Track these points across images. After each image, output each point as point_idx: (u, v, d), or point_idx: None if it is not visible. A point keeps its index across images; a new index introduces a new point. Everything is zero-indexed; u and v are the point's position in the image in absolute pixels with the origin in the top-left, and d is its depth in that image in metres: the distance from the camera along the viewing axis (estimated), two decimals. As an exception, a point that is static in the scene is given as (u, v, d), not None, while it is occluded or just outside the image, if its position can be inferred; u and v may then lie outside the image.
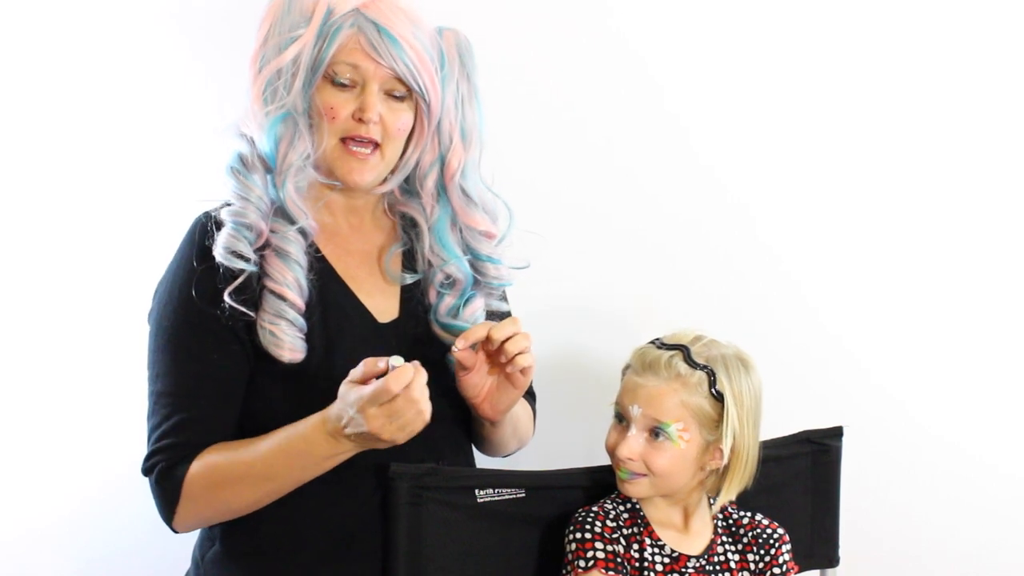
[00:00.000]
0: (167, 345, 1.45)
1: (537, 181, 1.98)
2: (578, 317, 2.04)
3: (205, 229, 1.44)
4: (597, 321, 2.02)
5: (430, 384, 1.37)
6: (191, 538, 1.55)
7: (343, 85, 1.46)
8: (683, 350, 1.50)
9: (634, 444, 1.49)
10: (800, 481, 1.72)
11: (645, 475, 1.50)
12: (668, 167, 2.03)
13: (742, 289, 2.05)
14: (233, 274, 1.41)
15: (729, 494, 1.54)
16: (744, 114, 2.02)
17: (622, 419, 1.52)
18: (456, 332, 1.50)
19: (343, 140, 1.47)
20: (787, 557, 1.59)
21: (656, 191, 2.03)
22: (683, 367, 1.48)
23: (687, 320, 1.58)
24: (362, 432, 1.34)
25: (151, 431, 1.45)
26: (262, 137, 1.46)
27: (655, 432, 1.48)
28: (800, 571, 1.66)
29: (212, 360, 1.44)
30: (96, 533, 1.95)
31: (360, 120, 1.46)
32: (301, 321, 1.44)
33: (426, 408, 1.35)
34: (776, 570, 1.57)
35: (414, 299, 1.55)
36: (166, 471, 1.42)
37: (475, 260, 1.58)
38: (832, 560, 1.76)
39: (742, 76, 2.02)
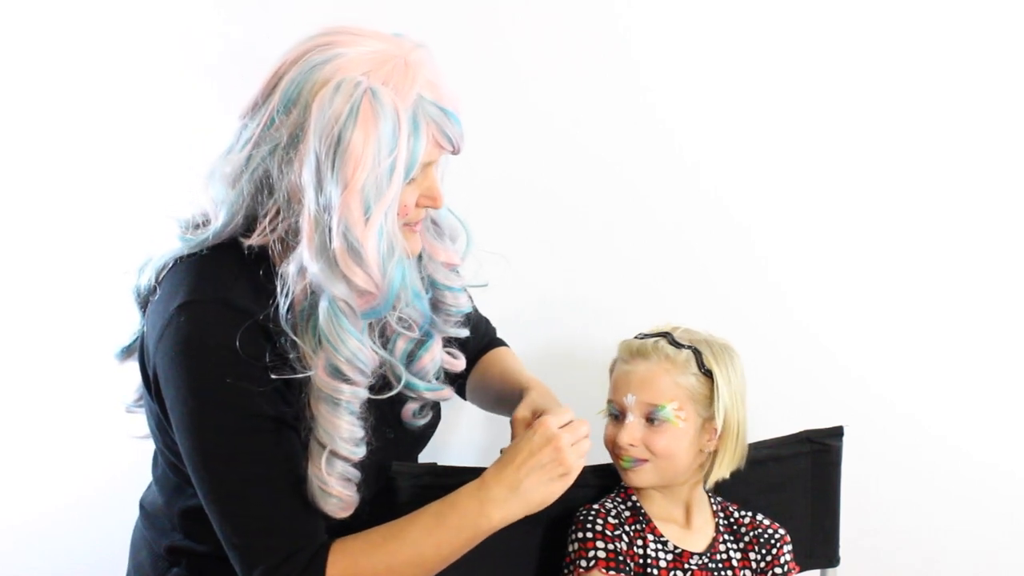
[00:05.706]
0: (227, 463, 1.28)
1: (536, 183, 1.98)
2: (579, 317, 2.04)
3: (225, 326, 1.26)
4: (598, 321, 2.02)
5: (387, 420, 1.40)
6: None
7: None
8: (666, 335, 1.53)
9: (634, 430, 1.50)
10: (800, 481, 1.72)
11: (647, 460, 1.51)
12: (670, 169, 2.03)
13: (743, 289, 2.05)
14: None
15: (722, 470, 1.54)
16: (744, 116, 2.02)
17: (617, 415, 1.53)
18: (414, 391, 1.44)
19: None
20: (788, 558, 1.59)
21: (658, 193, 2.03)
22: (670, 349, 1.51)
23: (689, 320, 1.60)
24: (545, 464, 1.33)
25: (244, 555, 1.29)
26: (373, 281, 1.27)
27: (652, 417, 1.50)
28: (800, 571, 1.67)
29: (277, 455, 1.29)
30: (96, 533, 1.95)
31: (428, 207, 1.34)
32: (354, 473, 1.33)
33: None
34: (778, 570, 1.58)
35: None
36: None
37: (434, 289, 1.47)
38: (832, 560, 1.76)
39: (737, 78, 2.01)
